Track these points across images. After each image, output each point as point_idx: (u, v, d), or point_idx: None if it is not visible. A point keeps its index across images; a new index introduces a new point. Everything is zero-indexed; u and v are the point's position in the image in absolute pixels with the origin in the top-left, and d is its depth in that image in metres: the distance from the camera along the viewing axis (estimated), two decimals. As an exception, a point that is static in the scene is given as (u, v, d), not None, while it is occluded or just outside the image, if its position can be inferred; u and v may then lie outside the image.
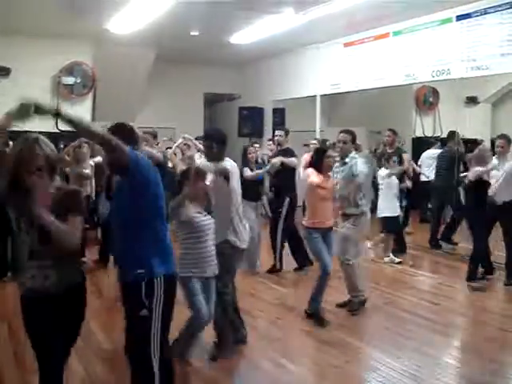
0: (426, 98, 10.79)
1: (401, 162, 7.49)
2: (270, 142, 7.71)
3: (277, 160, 6.39)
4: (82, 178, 7.03)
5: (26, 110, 2.41)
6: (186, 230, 3.70)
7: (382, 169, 7.14)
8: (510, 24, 6.62)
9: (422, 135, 10.68)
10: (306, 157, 8.81)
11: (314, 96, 10.16)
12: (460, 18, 7.27)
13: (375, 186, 8.45)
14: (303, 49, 10.18)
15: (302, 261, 6.66)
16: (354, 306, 5.11)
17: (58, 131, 7.53)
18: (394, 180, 7.10)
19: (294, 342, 4.54)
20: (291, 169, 6.60)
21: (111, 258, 5.08)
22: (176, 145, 7.61)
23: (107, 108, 9.47)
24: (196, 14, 7.69)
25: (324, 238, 4.83)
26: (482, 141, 8.38)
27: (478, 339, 4.66)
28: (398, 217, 7.25)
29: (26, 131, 2.64)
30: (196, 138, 7.44)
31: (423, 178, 8.78)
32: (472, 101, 10.73)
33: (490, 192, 5.86)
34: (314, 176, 4.77)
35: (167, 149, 8.52)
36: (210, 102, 13.18)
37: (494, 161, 6.11)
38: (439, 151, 8.41)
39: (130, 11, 7.40)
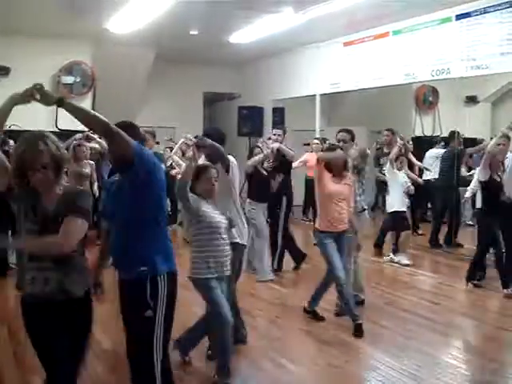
0: (426, 98, 10.78)
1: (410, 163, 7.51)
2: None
3: (275, 145, 6.32)
4: (82, 178, 7.02)
5: (31, 93, 2.36)
6: (196, 226, 3.56)
7: (388, 167, 7.05)
8: (509, 23, 6.63)
9: (422, 135, 10.67)
10: (308, 156, 8.86)
11: (314, 95, 10.17)
12: (460, 17, 7.28)
13: (378, 184, 8.47)
14: (303, 48, 10.18)
15: (297, 257, 6.65)
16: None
17: (57, 130, 7.54)
18: (400, 176, 7.00)
19: (293, 342, 4.54)
20: (287, 168, 6.57)
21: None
22: (178, 145, 7.54)
23: (107, 107, 9.36)
24: (195, 14, 7.69)
25: (337, 242, 4.63)
26: (482, 139, 8.38)
27: (477, 339, 4.67)
28: (405, 212, 7.12)
29: (27, 131, 2.59)
30: (195, 138, 7.42)
31: (425, 177, 8.77)
32: (472, 100, 10.72)
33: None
34: (312, 160, 4.72)
35: (167, 148, 8.52)
36: (210, 101, 13.18)
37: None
38: (442, 151, 8.42)
39: (129, 11, 7.40)
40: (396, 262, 7.00)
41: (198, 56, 10.81)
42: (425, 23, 7.81)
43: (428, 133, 10.65)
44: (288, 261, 6.73)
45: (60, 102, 2.37)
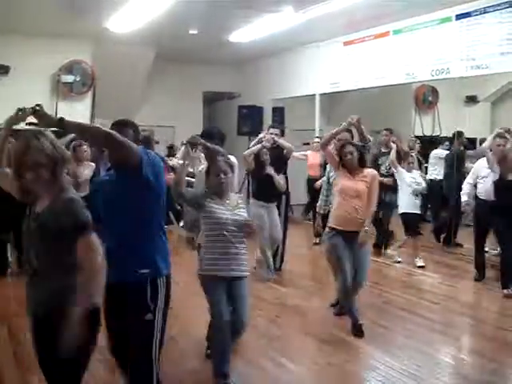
0: (426, 97, 10.77)
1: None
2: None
3: (271, 136, 6.27)
4: (79, 186, 6.97)
5: (22, 117, 2.35)
6: (204, 223, 3.50)
7: (401, 168, 6.97)
8: (509, 23, 6.63)
9: (422, 134, 10.66)
10: (310, 154, 8.86)
11: (314, 95, 10.17)
12: (460, 16, 7.28)
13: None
14: (303, 47, 10.18)
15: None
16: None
17: (59, 130, 7.52)
18: (407, 176, 6.93)
19: (293, 341, 4.53)
20: (283, 165, 6.55)
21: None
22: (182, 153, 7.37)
23: (107, 106, 9.45)
24: (195, 13, 7.69)
25: (347, 243, 4.44)
26: (484, 139, 8.37)
27: (477, 339, 4.67)
28: (416, 214, 6.94)
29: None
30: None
31: (429, 177, 8.76)
32: (471, 100, 10.71)
33: None
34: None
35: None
36: (210, 100, 13.16)
37: None
38: (445, 152, 8.41)
39: (129, 10, 7.40)
40: (393, 260, 7.00)
41: (197, 55, 10.81)
42: (425, 23, 7.81)
43: (428, 132, 10.64)
44: (288, 261, 6.74)
45: (61, 123, 2.33)
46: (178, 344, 4.26)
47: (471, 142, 8.63)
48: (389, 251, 7.29)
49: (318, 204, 5.68)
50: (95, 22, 8.20)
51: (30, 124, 2.50)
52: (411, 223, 6.87)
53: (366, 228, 4.41)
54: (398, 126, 8.28)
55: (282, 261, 6.63)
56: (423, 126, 10.72)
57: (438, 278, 6.51)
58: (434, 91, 10.66)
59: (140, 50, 10.00)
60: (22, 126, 2.52)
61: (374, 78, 8.79)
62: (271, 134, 6.43)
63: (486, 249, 6.51)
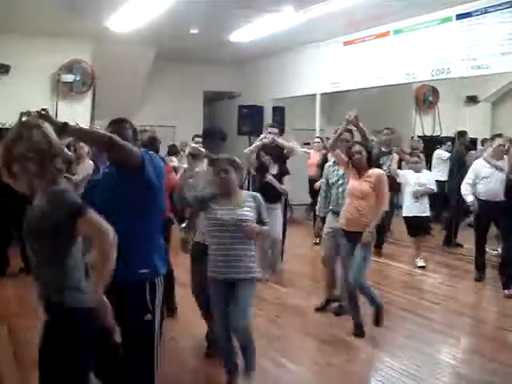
0: (426, 97, 10.76)
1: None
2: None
3: (270, 136, 6.25)
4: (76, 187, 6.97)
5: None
6: (209, 225, 3.44)
7: (407, 169, 6.95)
8: (510, 23, 6.62)
9: (422, 134, 10.66)
10: (312, 153, 8.85)
11: (314, 94, 10.16)
12: (460, 16, 7.27)
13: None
14: (303, 47, 10.17)
15: None
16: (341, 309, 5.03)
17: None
18: (410, 178, 6.90)
19: (293, 341, 4.53)
20: (283, 166, 6.54)
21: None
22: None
23: (107, 106, 9.44)
24: (196, 13, 7.68)
25: (352, 246, 4.42)
26: (485, 139, 8.39)
27: (477, 339, 4.67)
28: (416, 217, 6.84)
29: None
30: (196, 136, 7.40)
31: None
32: (472, 100, 10.70)
33: None
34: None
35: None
36: (210, 100, 13.16)
37: None
38: (447, 154, 8.37)
39: (129, 9, 7.39)
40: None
41: (198, 55, 10.80)
42: (425, 23, 7.80)
43: (428, 132, 10.64)
44: (288, 261, 6.73)
45: (64, 128, 2.32)
46: (178, 344, 4.27)
47: (472, 143, 8.64)
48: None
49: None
50: (95, 22, 8.19)
51: None
52: (412, 226, 6.87)
53: (371, 229, 4.35)
54: (398, 126, 8.28)
55: (281, 261, 6.62)
56: (423, 125, 10.71)
57: (439, 279, 6.51)
58: (435, 91, 10.65)
59: (140, 50, 9.99)
60: None
61: (374, 78, 8.78)
62: (269, 133, 6.40)
63: (486, 249, 6.50)
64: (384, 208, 4.46)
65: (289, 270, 6.66)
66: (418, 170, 6.87)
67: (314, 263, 6.63)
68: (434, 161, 8.80)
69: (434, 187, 6.83)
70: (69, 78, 9.42)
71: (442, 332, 4.68)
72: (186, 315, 4.66)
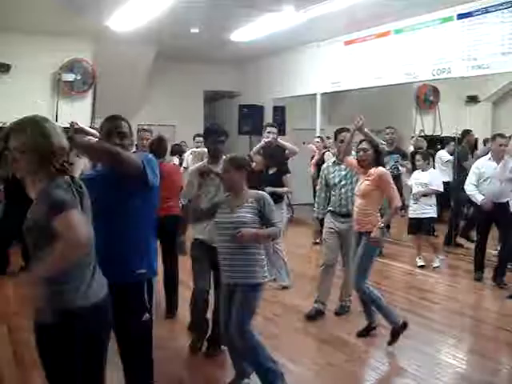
0: (427, 97, 10.77)
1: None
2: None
3: (271, 135, 6.21)
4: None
5: None
6: (214, 226, 3.42)
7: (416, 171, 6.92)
8: (510, 23, 6.62)
9: (423, 134, 10.66)
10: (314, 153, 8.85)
11: (315, 94, 10.15)
12: (461, 16, 7.27)
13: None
14: (304, 47, 10.17)
15: None
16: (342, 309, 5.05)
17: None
18: (411, 178, 6.92)
19: (293, 341, 4.52)
20: (281, 165, 6.52)
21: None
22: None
23: (107, 105, 9.43)
24: (196, 12, 7.68)
25: (357, 246, 4.43)
26: (486, 139, 8.38)
27: (477, 339, 4.67)
28: (415, 219, 6.82)
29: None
30: (197, 135, 7.41)
31: None
32: (472, 100, 10.71)
33: None
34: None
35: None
36: (210, 99, 13.16)
37: None
38: (449, 156, 8.35)
39: (130, 8, 7.39)
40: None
41: (198, 54, 10.80)
42: (426, 22, 7.79)
43: (428, 132, 10.64)
44: (288, 261, 6.71)
45: (68, 140, 2.27)
46: (179, 343, 4.27)
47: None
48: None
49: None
50: (96, 21, 8.19)
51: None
52: (412, 226, 6.90)
53: (381, 225, 4.30)
54: (399, 126, 8.28)
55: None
56: (424, 125, 10.72)
57: (439, 278, 6.51)
58: (435, 91, 10.66)
59: (141, 49, 9.99)
60: None
61: (375, 78, 8.78)
62: (268, 132, 6.40)
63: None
64: (398, 204, 4.34)
65: (289, 270, 6.64)
66: (425, 169, 6.83)
67: (314, 263, 6.63)
68: (437, 163, 8.78)
69: (436, 187, 6.76)
70: (69, 77, 9.42)
71: (442, 332, 4.67)
72: (187, 315, 4.65)
